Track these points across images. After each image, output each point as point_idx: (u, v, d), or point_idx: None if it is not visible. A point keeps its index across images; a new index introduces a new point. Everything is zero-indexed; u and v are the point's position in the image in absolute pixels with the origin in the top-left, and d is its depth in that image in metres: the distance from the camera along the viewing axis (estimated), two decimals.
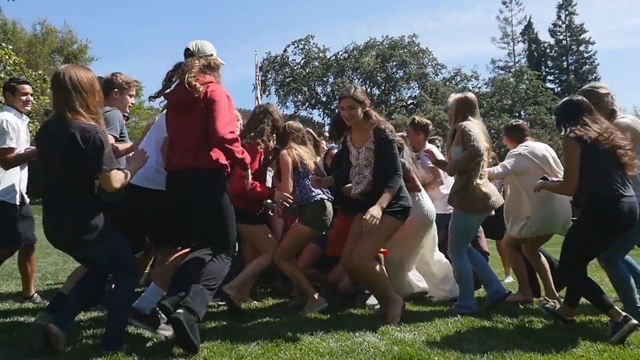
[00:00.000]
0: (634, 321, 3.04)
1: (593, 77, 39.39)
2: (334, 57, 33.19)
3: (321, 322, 3.50)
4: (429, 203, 4.45)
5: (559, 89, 37.91)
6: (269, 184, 4.37)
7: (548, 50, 41.48)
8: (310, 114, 33.15)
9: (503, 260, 5.82)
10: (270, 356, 2.73)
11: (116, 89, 3.75)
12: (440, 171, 4.69)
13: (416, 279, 4.52)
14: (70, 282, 3.28)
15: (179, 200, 3.07)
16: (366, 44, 33.44)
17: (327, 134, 6.34)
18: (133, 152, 3.07)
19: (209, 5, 70.83)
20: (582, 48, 40.35)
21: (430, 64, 34.00)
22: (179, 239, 3.35)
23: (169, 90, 3.11)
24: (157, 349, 2.82)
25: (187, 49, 3.32)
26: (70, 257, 7.75)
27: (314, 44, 33.28)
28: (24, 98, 4.10)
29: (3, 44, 13.70)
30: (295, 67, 33.32)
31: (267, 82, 32.29)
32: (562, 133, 3.39)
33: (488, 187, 3.89)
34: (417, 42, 33.47)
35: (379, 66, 32.31)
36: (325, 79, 33.52)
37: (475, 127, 3.84)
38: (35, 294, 4.28)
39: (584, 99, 3.44)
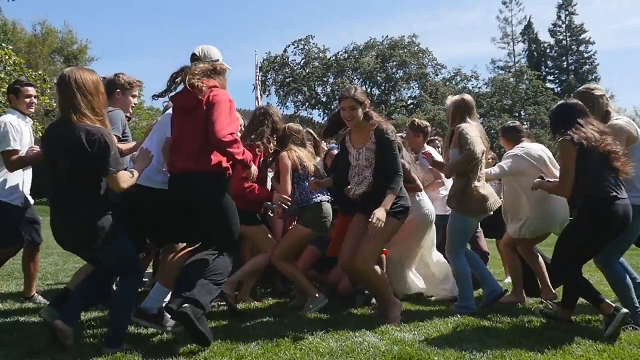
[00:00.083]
0: (625, 310, 3.10)
1: (593, 77, 39.41)
2: (334, 57, 33.19)
3: (321, 322, 3.51)
4: (429, 203, 4.46)
5: (559, 89, 37.93)
6: (268, 185, 4.37)
7: (548, 50, 41.48)
8: (310, 114, 33.14)
9: (503, 260, 5.82)
10: (270, 356, 2.73)
11: (118, 90, 3.78)
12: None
13: (414, 279, 4.54)
14: (77, 278, 3.35)
15: (181, 200, 3.09)
16: (366, 44, 33.44)
17: None
18: (138, 152, 3.09)
19: (209, 5, 70.87)
20: (582, 48, 40.35)
21: (430, 64, 34.01)
22: (180, 239, 3.38)
23: (174, 93, 3.15)
24: (158, 349, 2.82)
25: (193, 54, 3.36)
26: (70, 257, 7.79)
27: (314, 44, 33.30)
28: (27, 100, 4.12)
29: (3, 44, 13.67)
30: (295, 67, 33.31)
31: (267, 82, 32.28)
32: (558, 137, 3.40)
33: (486, 189, 3.91)
34: (417, 42, 33.48)
35: (379, 66, 32.31)
36: (325, 79, 33.52)
37: (472, 129, 3.84)
38: (36, 294, 4.28)
39: (579, 102, 3.48)
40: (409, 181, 4.25)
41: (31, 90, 4.16)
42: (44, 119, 19.53)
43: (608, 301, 3.20)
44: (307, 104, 33.71)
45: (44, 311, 3.16)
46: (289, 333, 3.15)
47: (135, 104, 3.96)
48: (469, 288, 3.95)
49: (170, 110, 3.39)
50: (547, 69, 41.34)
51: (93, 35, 61.75)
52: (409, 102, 33.39)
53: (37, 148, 4.08)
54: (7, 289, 4.92)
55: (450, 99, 4.15)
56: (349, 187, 3.74)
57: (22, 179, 4.07)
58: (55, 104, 13.75)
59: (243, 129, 4.20)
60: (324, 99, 33.36)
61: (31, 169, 4.21)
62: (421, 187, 4.43)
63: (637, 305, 3.39)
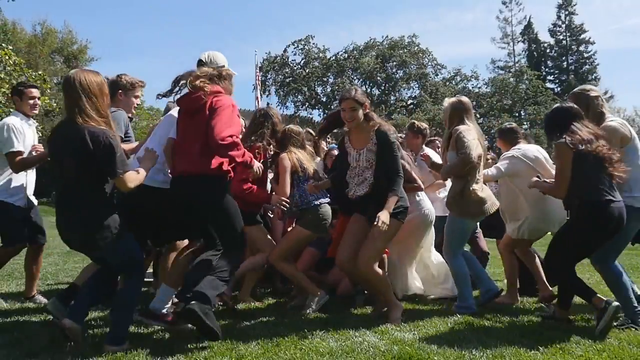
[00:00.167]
0: (616, 303, 3.16)
1: (593, 77, 39.43)
2: (334, 57, 33.20)
3: (321, 322, 3.51)
4: (429, 203, 4.48)
5: (559, 89, 37.94)
6: (268, 187, 4.37)
7: (548, 50, 41.50)
8: (310, 114, 33.14)
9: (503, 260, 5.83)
10: (270, 356, 2.74)
11: (121, 90, 3.79)
12: None
13: (413, 280, 4.55)
14: (84, 275, 3.37)
15: (182, 201, 3.12)
16: (366, 44, 33.45)
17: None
18: (144, 152, 3.13)
19: (209, 5, 70.92)
20: (582, 48, 40.37)
21: (430, 64, 34.03)
22: (181, 237, 3.42)
23: (180, 96, 3.20)
24: (158, 349, 2.82)
25: (199, 60, 3.43)
26: (70, 257, 7.80)
27: (314, 44, 33.31)
28: (31, 102, 4.16)
29: (3, 44, 13.65)
30: (295, 67, 33.32)
31: (267, 83, 32.28)
32: (554, 140, 3.43)
33: (484, 191, 3.92)
34: (417, 42, 33.49)
35: (379, 66, 32.32)
36: (325, 79, 33.53)
37: (470, 132, 3.85)
38: (37, 294, 4.29)
39: (574, 105, 3.51)
40: (410, 181, 4.26)
41: (35, 92, 4.20)
42: (44, 119, 19.55)
43: (600, 295, 3.26)
44: (307, 104, 33.72)
45: (50, 304, 3.19)
46: (289, 333, 3.15)
47: (138, 104, 3.97)
48: (468, 288, 3.96)
49: (172, 111, 3.43)
50: (547, 69, 41.36)
51: (93, 35, 61.96)
52: (409, 102, 33.39)
53: (40, 147, 4.10)
54: (7, 289, 4.92)
55: (448, 101, 4.17)
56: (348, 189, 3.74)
57: (26, 180, 4.11)
58: (55, 104, 13.78)
59: (244, 130, 4.21)
60: (324, 99, 33.36)
61: (35, 170, 4.24)
62: (422, 186, 4.43)
63: (636, 305, 3.40)
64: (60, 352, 2.73)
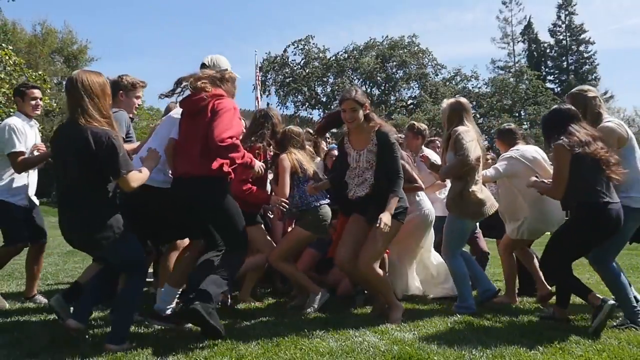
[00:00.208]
0: (612, 302, 3.19)
1: (593, 77, 39.44)
2: (334, 58, 33.20)
3: (321, 322, 3.51)
4: (429, 203, 4.49)
5: (559, 89, 37.91)
6: (268, 187, 4.38)
7: (548, 50, 41.49)
8: (310, 114, 33.14)
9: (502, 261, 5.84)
10: (270, 356, 2.74)
11: (122, 91, 3.80)
12: None
13: (413, 280, 4.55)
14: (88, 274, 3.40)
15: (183, 202, 3.15)
16: (366, 44, 33.45)
17: (327, 135, 6.35)
18: (147, 153, 3.16)
19: (209, 5, 70.90)
20: (582, 48, 40.37)
21: (430, 64, 34.02)
22: (181, 236, 3.44)
23: (182, 98, 3.24)
24: (159, 349, 2.83)
25: (202, 64, 3.47)
26: (70, 257, 7.80)
27: (314, 44, 33.31)
28: (33, 103, 4.18)
29: (3, 45, 13.68)
30: (295, 68, 33.32)
31: (267, 83, 32.28)
32: (552, 142, 3.44)
33: (483, 193, 3.94)
34: (417, 43, 33.49)
35: (379, 66, 32.31)
36: (325, 79, 33.53)
37: (468, 134, 3.86)
38: (37, 294, 4.30)
39: (571, 107, 3.53)
40: (411, 181, 4.27)
41: (37, 93, 4.22)
42: (44, 119, 19.57)
43: (596, 294, 3.29)
44: (307, 104, 33.72)
45: (54, 300, 3.21)
46: (289, 333, 3.15)
47: (139, 105, 3.98)
48: (468, 288, 3.97)
49: (172, 112, 3.45)
50: (547, 69, 41.36)
51: (93, 35, 61.92)
52: (409, 102, 33.40)
53: (41, 146, 4.12)
54: (7, 289, 4.92)
55: (446, 102, 4.19)
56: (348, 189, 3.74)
57: (27, 180, 4.13)
58: (55, 105, 13.80)
59: (244, 131, 4.21)
60: (324, 99, 33.36)
61: (36, 170, 4.27)
62: (422, 186, 4.44)
63: (635, 305, 3.41)
64: (60, 352, 2.73)
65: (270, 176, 4.46)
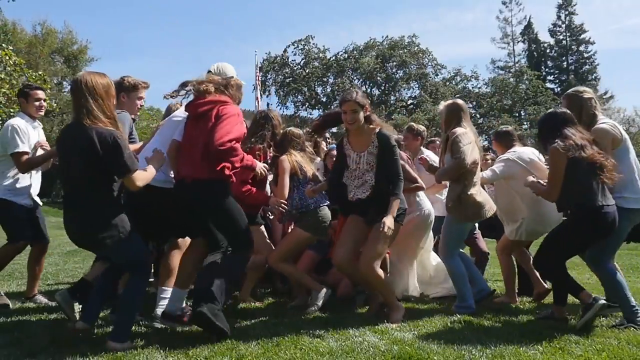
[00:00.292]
0: (603, 302, 3.30)
1: (593, 77, 39.43)
2: (334, 58, 33.19)
3: (321, 322, 3.52)
4: (429, 203, 4.50)
5: (559, 89, 37.88)
6: (268, 189, 4.38)
7: (548, 50, 41.48)
8: (310, 114, 33.11)
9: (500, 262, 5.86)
10: (270, 356, 2.74)
11: (123, 92, 3.80)
12: None
13: (414, 281, 4.56)
14: (95, 271, 3.43)
15: (185, 203, 3.20)
16: (366, 44, 33.43)
17: (327, 135, 6.36)
18: (153, 153, 3.19)
19: (209, 5, 70.90)
20: (582, 48, 40.34)
21: (430, 64, 34.00)
22: (182, 235, 3.48)
23: (188, 102, 3.31)
24: (159, 348, 2.83)
25: (208, 71, 3.53)
26: (70, 257, 7.79)
27: (314, 44, 33.29)
28: (37, 104, 4.21)
29: (3, 45, 13.68)
30: (295, 68, 33.31)
31: (267, 83, 32.27)
32: (547, 145, 3.48)
33: (482, 195, 3.95)
34: (417, 43, 33.46)
35: (379, 66, 32.31)
36: (325, 80, 33.52)
37: (466, 136, 3.87)
38: (37, 294, 4.30)
39: (567, 111, 3.58)
40: (412, 181, 4.29)
41: (40, 94, 4.26)
42: (44, 120, 19.55)
43: (587, 291, 3.41)
44: (307, 104, 33.71)
45: (60, 294, 3.25)
46: (289, 333, 3.16)
47: (142, 105, 3.99)
48: (467, 288, 3.98)
49: (175, 114, 3.50)
50: (547, 69, 41.33)
51: (93, 35, 61.97)
52: (409, 102, 33.39)
53: (44, 143, 4.16)
54: (7, 288, 4.93)
55: (443, 104, 4.21)
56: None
57: (31, 181, 4.17)
58: (55, 105, 13.80)
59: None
60: (324, 99, 33.35)
61: (40, 171, 4.31)
62: (423, 186, 4.45)
63: (634, 304, 3.42)
64: (61, 351, 2.74)
65: (270, 177, 4.47)
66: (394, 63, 32.87)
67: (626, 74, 62.58)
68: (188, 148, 3.21)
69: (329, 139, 6.61)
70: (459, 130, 3.89)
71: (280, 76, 33.21)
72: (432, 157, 4.92)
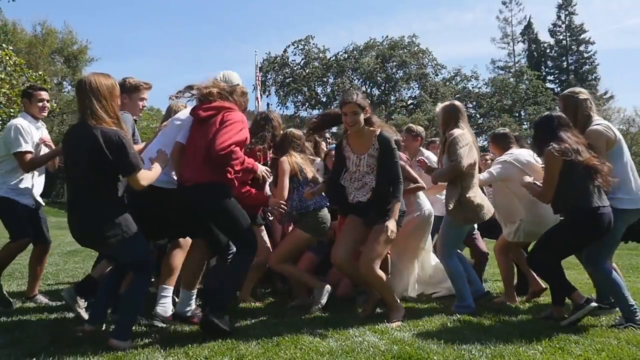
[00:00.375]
0: (594, 304, 3.38)
1: (593, 77, 39.46)
2: (334, 58, 33.24)
3: (321, 322, 3.52)
4: (429, 204, 4.52)
5: (559, 89, 37.92)
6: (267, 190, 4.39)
7: (548, 51, 41.50)
8: (310, 114, 33.16)
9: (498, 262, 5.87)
10: (270, 356, 2.75)
11: (125, 93, 3.81)
12: None
13: (414, 281, 4.57)
14: (100, 268, 3.48)
15: (186, 205, 3.23)
16: (366, 44, 33.48)
17: (327, 135, 6.37)
18: (157, 154, 3.23)
19: (209, 5, 70.96)
20: (582, 48, 40.36)
21: (430, 64, 34.05)
22: (182, 236, 3.51)
23: (193, 106, 3.36)
24: (159, 348, 2.84)
25: (215, 79, 3.55)
26: (70, 257, 7.78)
27: (314, 44, 33.36)
28: (40, 104, 4.24)
29: (3, 45, 13.69)
30: (295, 68, 33.36)
31: (267, 83, 32.32)
32: (543, 148, 3.51)
33: (480, 197, 3.96)
34: (417, 43, 33.53)
35: (379, 66, 32.34)
36: (325, 80, 33.57)
37: (465, 137, 3.88)
38: (38, 294, 4.31)
39: (562, 115, 3.62)
40: (412, 181, 4.30)
41: (44, 95, 4.28)
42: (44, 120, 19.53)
43: (579, 291, 3.49)
44: (307, 104, 33.75)
45: (66, 291, 3.31)
46: (289, 333, 3.16)
47: (144, 106, 3.99)
48: (466, 288, 3.99)
49: (177, 115, 3.55)
50: (547, 69, 41.37)
51: (93, 35, 62.14)
52: (409, 102, 33.43)
53: (48, 140, 4.21)
54: (8, 288, 4.92)
55: (440, 106, 4.22)
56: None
57: (35, 182, 4.20)
58: (55, 105, 13.81)
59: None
60: (324, 99, 33.39)
61: (44, 172, 4.33)
62: (424, 186, 4.45)
63: (632, 303, 3.44)
64: (61, 351, 2.74)
65: (269, 179, 4.47)
66: (394, 63, 32.91)
67: (626, 74, 62.69)
68: (191, 152, 3.25)
69: (329, 139, 6.61)
70: (456, 131, 3.90)
71: (280, 76, 33.25)
72: (432, 157, 4.93)
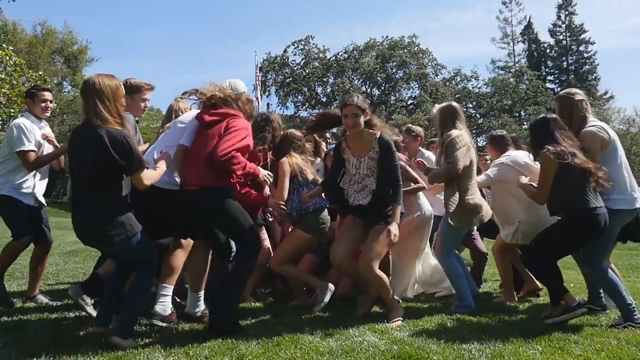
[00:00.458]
0: (585, 309, 3.46)
1: (593, 77, 39.46)
2: (333, 58, 33.24)
3: (321, 322, 3.52)
4: (428, 204, 4.53)
5: (559, 89, 37.87)
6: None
7: (548, 51, 41.49)
8: (311, 114, 33.16)
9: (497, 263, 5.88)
10: (270, 355, 2.75)
11: (127, 94, 3.81)
12: None
13: (414, 281, 4.57)
14: (106, 267, 3.51)
15: (188, 208, 3.25)
16: (366, 45, 33.48)
17: (327, 135, 6.38)
18: (160, 155, 3.27)
19: (209, 5, 70.97)
20: (582, 48, 40.36)
21: (430, 64, 34.05)
22: (182, 237, 3.54)
23: (200, 111, 3.41)
24: (159, 348, 2.84)
25: (221, 86, 3.61)
26: (71, 257, 7.78)
27: (314, 44, 33.36)
28: (43, 105, 4.26)
29: (3, 45, 13.70)
30: (295, 68, 33.36)
31: (267, 83, 32.32)
32: (538, 150, 3.54)
33: (479, 200, 3.97)
34: (417, 43, 33.53)
35: (379, 66, 32.34)
36: (325, 80, 33.57)
37: (463, 138, 3.88)
38: (38, 294, 4.32)
39: (557, 117, 3.65)
40: (413, 181, 4.31)
41: (47, 95, 4.30)
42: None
43: (571, 294, 3.55)
44: (307, 104, 33.75)
45: (72, 290, 3.36)
46: (289, 333, 3.17)
47: (146, 107, 4.00)
48: (465, 287, 4.00)
49: (180, 118, 3.58)
50: (547, 69, 41.36)
51: (93, 35, 62.14)
52: (409, 102, 33.43)
53: (51, 136, 4.23)
54: (8, 288, 4.90)
55: (437, 107, 4.23)
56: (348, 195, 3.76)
57: (38, 182, 4.21)
58: (55, 105, 13.82)
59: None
60: (324, 99, 33.40)
61: (48, 172, 4.34)
62: (425, 185, 4.46)
63: (630, 302, 3.45)
64: (61, 351, 2.74)
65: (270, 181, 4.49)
66: (394, 63, 32.91)
67: (626, 74, 62.70)
68: (195, 155, 3.28)
69: (329, 139, 6.62)
70: (454, 132, 3.91)
71: (280, 76, 33.25)
72: (432, 158, 4.94)
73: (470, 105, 32.34)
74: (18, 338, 3.06)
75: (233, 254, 3.46)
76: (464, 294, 3.95)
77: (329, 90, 33.35)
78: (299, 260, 4.36)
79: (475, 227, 4.88)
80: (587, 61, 40.16)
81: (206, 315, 3.42)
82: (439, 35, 64.37)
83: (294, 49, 32.95)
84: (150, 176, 2.97)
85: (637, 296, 4.23)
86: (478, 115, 32.16)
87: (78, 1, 60.13)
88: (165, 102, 4.49)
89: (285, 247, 4.10)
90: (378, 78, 32.96)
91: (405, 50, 33.00)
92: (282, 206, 3.92)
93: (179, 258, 3.54)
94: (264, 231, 4.33)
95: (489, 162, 4.94)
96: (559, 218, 3.62)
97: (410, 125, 5.64)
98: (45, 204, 4.39)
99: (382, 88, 33.96)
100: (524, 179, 3.79)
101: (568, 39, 40.51)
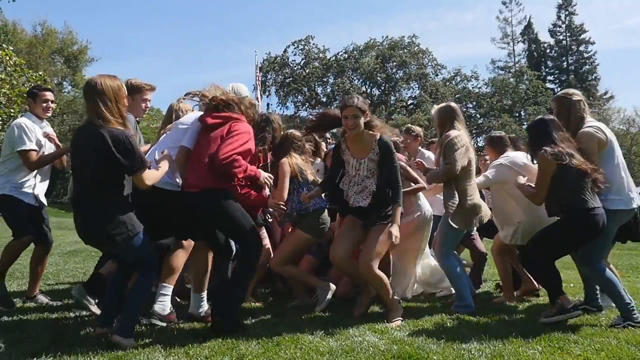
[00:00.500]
0: (579, 312, 3.46)
1: (593, 77, 39.48)
2: (334, 58, 33.25)
3: (321, 322, 3.53)
4: (427, 204, 4.53)
5: (559, 89, 37.89)
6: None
7: (548, 51, 41.51)
8: (311, 114, 33.15)
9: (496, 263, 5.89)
10: (270, 355, 2.75)
11: (128, 94, 3.81)
12: None
13: (414, 281, 4.57)
14: (110, 266, 3.53)
15: (188, 209, 3.26)
16: (366, 45, 33.49)
17: (327, 135, 6.38)
18: (161, 155, 3.28)
19: (209, 5, 71.02)
20: (582, 48, 40.38)
21: (430, 64, 34.07)
22: (182, 238, 3.55)
23: (202, 114, 3.43)
24: (159, 348, 2.84)
25: (224, 89, 3.63)
26: (71, 257, 7.79)
27: (314, 44, 33.37)
28: (44, 105, 4.27)
29: (3, 45, 13.69)
30: (295, 68, 33.37)
31: (267, 83, 32.33)
32: (536, 151, 3.54)
33: (478, 200, 3.97)
34: (417, 43, 33.55)
35: (379, 66, 32.35)
36: (325, 80, 33.58)
37: (460, 139, 3.88)
38: (39, 294, 4.32)
39: (555, 118, 3.66)
40: (413, 181, 4.31)
41: (48, 95, 4.31)
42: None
43: (567, 295, 3.54)
44: (307, 104, 33.76)
45: (76, 290, 3.38)
46: (289, 333, 3.17)
47: (147, 107, 4.00)
48: (465, 287, 4.00)
49: (182, 120, 3.58)
50: (547, 69, 41.38)
51: (93, 35, 62.20)
52: (409, 102, 33.45)
53: (53, 134, 4.23)
54: (8, 288, 4.90)
55: (436, 108, 4.23)
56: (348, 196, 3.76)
57: (39, 182, 4.22)
58: (55, 105, 13.83)
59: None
60: (324, 99, 33.42)
61: (49, 174, 4.36)
62: (425, 185, 4.46)
63: (629, 301, 3.46)
64: (61, 351, 2.74)
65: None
66: (394, 63, 32.92)
67: (626, 74, 62.81)
68: (196, 157, 3.29)
69: (329, 139, 6.62)
70: (453, 133, 3.91)
71: (280, 76, 33.26)
72: (432, 158, 4.95)
73: (470, 105, 32.35)
74: (18, 338, 3.06)
75: (233, 254, 3.47)
76: (463, 293, 3.96)
77: (329, 90, 33.37)
78: (299, 260, 4.36)
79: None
80: (587, 61, 40.19)
81: (210, 316, 3.43)
82: (439, 35, 64.50)
83: (294, 49, 33.00)
84: (151, 176, 2.99)
85: (637, 296, 4.23)
86: (478, 116, 32.17)
87: (78, 1, 60.25)
88: (165, 102, 4.53)
89: (286, 247, 4.11)
90: (378, 78, 32.97)
91: (405, 50, 33.01)
92: (282, 207, 3.92)
93: (180, 258, 3.55)
94: (264, 231, 4.33)
95: (488, 162, 4.94)
96: (557, 218, 3.63)
97: (410, 125, 5.66)
98: (46, 204, 4.39)
99: (382, 88, 33.97)
100: (522, 179, 3.80)
101: (568, 39, 40.53)
